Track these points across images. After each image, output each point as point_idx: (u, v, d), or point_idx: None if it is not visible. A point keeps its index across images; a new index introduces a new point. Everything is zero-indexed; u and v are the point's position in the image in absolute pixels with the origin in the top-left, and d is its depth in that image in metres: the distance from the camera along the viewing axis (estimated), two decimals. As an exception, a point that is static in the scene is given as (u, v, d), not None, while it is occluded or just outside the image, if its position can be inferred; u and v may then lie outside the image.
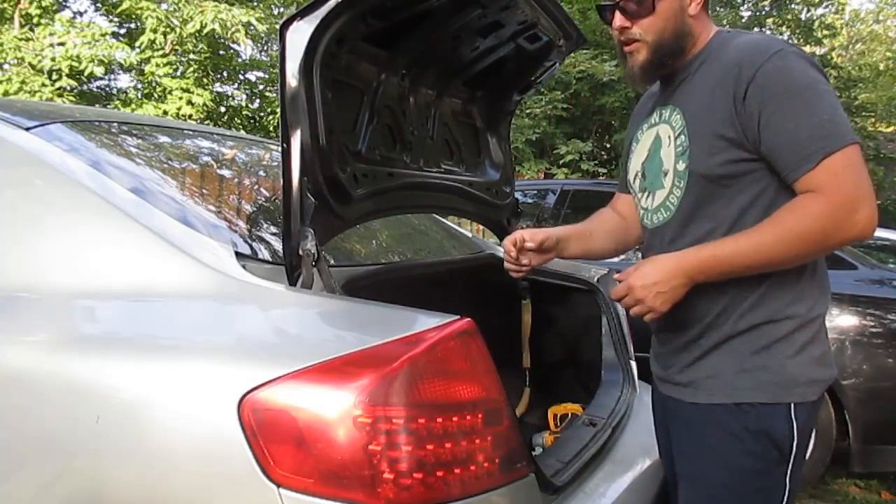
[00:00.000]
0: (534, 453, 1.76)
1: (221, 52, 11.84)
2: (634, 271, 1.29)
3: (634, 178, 1.49)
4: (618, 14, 1.36)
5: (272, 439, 0.99)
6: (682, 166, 1.33)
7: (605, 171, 10.23)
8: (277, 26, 1.35)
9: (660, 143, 1.41)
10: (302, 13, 1.29)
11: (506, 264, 1.55)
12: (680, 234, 1.35)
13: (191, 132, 2.16)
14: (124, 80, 13.43)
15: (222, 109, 12.14)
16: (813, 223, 1.20)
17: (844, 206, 1.19)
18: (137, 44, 10.43)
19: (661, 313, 1.27)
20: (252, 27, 10.52)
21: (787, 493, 1.30)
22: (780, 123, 1.22)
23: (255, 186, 1.99)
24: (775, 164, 1.24)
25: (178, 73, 10.94)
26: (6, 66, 10.03)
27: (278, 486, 0.97)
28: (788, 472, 1.29)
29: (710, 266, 1.25)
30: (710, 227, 1.31)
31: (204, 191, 1.65)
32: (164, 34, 10.25)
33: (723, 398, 1.30)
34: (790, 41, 1.41)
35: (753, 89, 1.23)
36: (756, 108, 1.23)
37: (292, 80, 1.27)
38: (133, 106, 10.89)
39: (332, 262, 1.61)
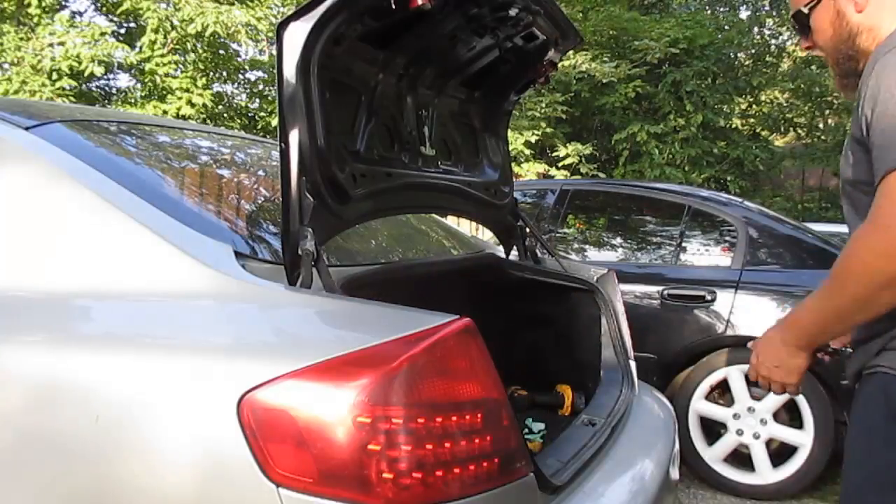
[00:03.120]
0: (526, 434, 1.76)
1: (222, 52, 11.84)
2: (756, 349, 1.31)
3: None
4: (801, 39, 1.39)
5: (271, 439, 0.99)
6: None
7: (604, 174, 10.25)
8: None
9: None
10: (298, 13, 1.29)
11: None
12: None
13: (191, 132, 2.16)
14: (124, 80, 13.43)
15: (221, 109, 12.15)
16: (859, 260, 1.10)
17: (888, 233, 1.06)
18: (139, 44, 10.44)
19: (795, 384, 1.28)
20: (252, 27, 10.53)
21: None
22: (874, 127, 1.12)
23: (255, 186, 1.99)
24: None
25: (179, 73, 10.95)
26: (6, 66, 10.03)
27: (278, 485, 0.97)
28: None
29: (805, 333, 1.22)
30: None
31: (204, 190, 1.66)
32: (165, 34, 10.26)
33: None
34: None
35: (864, 88, 1.16)
36: (865, 108, 1.16)
37: (290, 80, 1.27)
38: (132, 106, 10.89)
39: (333, 261, 1.61)
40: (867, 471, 1.23)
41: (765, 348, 1.29)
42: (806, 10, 1.33)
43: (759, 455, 3.29)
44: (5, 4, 10.37)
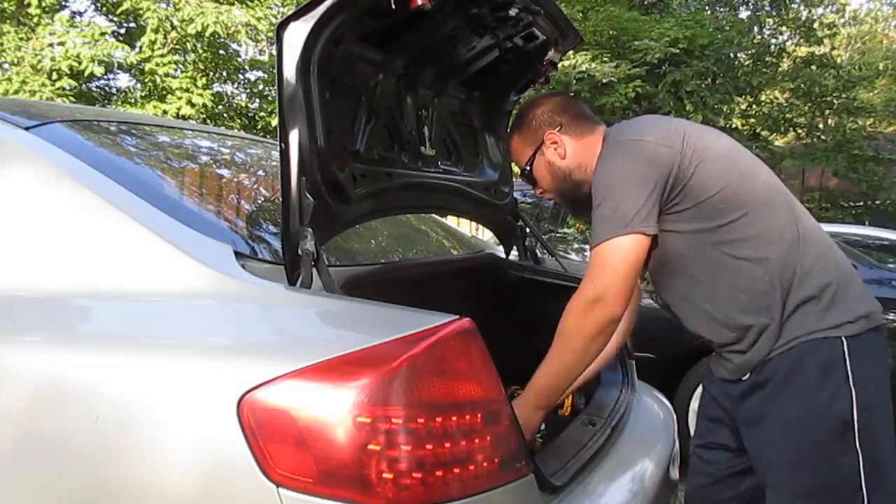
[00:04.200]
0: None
1: (222, 52, 11.84)
2: None
3: None
4: (534, 188, 1.72)
5: (271, 439, 0.99)
6: None
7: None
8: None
9: None
10: (298, 13, 1.29)
11: None
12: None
13: (191, 132, 2.16)
14: (124, 80, 13.43)
15: (221, 109, 12.15)
16: (567, 321, 1.43)
17: (584, 301, 1.40)
18: (139, 44, 10.43)
19: (531, 439, 1.53)
20: (252, 27, 10.53)
21: None
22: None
23: (255, 186, 1.99)
24: None
25: (179, 73, 10.94)
26: (6, 66, 10.03)
27: (277, 485, 0.97)
28: None
29: (539, 396, 1.47)
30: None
31: (204, 190, 1.66)
32: (165, 34, 10.26)
33: None
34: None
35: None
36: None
37: (290, 80, 1.27)
38: (132, 106, 10.89)
39: (333, 261, 1.61)
40: (825, 426, 1.40)
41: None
42: (528, 168, 1.66)
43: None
44: (5, 4, 10.36)
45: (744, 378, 1.51)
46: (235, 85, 13.01)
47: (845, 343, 1.40)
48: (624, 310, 1.41)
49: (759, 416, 1.49)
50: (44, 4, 10.20)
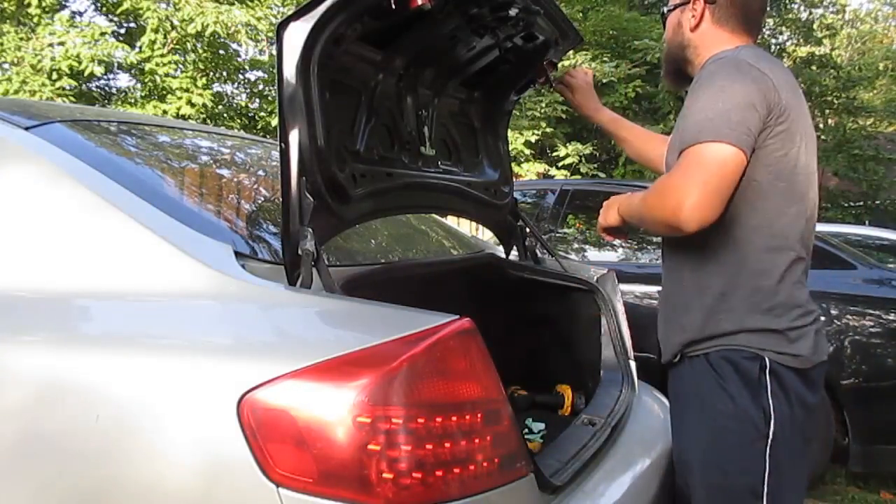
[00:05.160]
0: (526, 434, 1.76)
1: (222, 52, 11.84)
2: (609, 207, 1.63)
3: None
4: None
5: (271, 439, 0.99)
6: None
7: (604, 174, 10.24)
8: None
9: None
10: (298, 13, 1.29)
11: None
12: None
13: (191, 132, 2.16)
14: (124, 80, 13.43)
15: (221, 109, 12.15)
16: (655, 191, 1.41)
17: (668, 190, 1.36)
18: (139, 44, 10.44)
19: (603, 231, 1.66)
20: (252, 27, 10.53)
21: None
22: (685, 111, 1.42)
23: (255, 186, 1.99)
24: None
25: (179, 73, 10.94)
26: (6, 66, 10.03)
27: (277, 485, 0.98)
28: None
29: (626, 215, 1.56)
30: None
31: (203, 190, 1.66)
32: (165, 34, 10.26)
33: None
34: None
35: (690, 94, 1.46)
36: (685, 108, 1.45)
37: (290, 80, 1.27)
38: (132, 106, 10.89)
39: (333, 261, 1.61)
40: (740, 429, 1.42)
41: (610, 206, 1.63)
42: (666, 12, 1.67)
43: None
44: (5, 4, 10.36)
45: (674, 360, 1.55)
46: (235, 85, 13.00)
47: (767, 361, 1.40)
48: (698, 230, 1.33)
49: (682, 404, 1.55)
50: (44, 4, 10.19)
